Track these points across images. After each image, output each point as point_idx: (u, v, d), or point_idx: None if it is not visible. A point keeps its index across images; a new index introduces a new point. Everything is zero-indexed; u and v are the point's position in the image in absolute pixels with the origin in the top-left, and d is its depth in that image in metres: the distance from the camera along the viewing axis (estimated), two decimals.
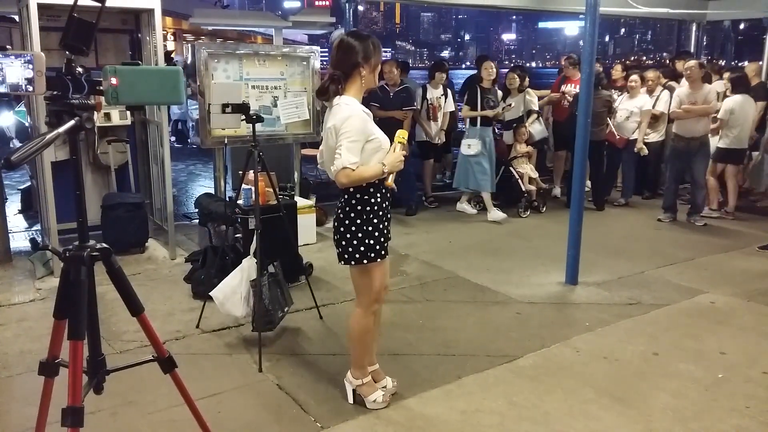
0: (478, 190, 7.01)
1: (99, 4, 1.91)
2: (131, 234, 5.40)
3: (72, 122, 1.77)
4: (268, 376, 3.40)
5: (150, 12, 5.23)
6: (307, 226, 5.78)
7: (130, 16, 5.82)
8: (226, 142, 5.47)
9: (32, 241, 1.98)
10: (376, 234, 2.84)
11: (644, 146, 7.40)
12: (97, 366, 2.05)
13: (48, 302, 4.36)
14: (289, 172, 6.36)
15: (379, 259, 2.88)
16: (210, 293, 3.78)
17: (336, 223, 2.89)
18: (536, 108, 7.74)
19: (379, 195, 2.85)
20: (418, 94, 7.35)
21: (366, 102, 3.05)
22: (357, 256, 2.84)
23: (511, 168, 7.30)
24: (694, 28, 10.73)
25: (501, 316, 4.31)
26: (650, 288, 4.85)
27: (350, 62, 2.77)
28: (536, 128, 7.70)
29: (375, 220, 2.83)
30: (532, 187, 7.37)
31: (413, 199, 7.30)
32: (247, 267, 3.71)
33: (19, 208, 7.12)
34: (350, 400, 3.12)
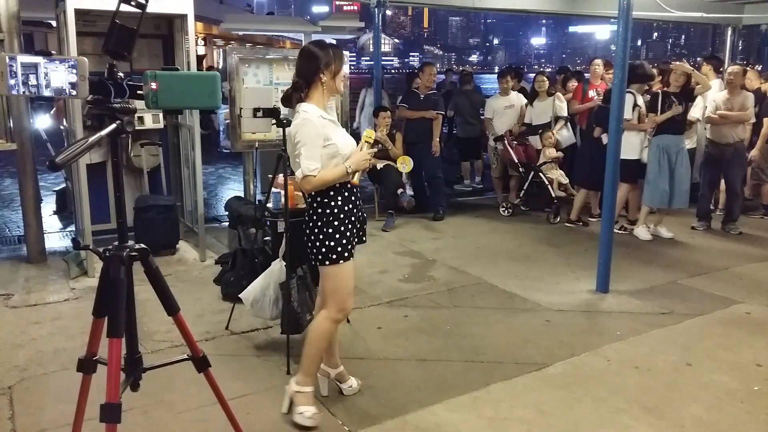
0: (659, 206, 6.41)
1: (139, 10, 1.95)
2: (162, 236, 5.47)
3: (114, 125, 1.81)
4: None
5: (183, 17, 5.32)
6: None
7: (163, 21, 5.93)
8: (256, 146, 5.53)
9: (74, 240, 2.05)
10: (337, 236, 2.87)
11: None
12: (134, 364, 2.09)
13: (82, 302, 4.46)
14: None
15: (340, 261, 2.90)
16: (239, 295, 3.81)
17: (304, 225, 2.97)
18: (565, 114, 7.63)
19: (340, 198, 2.88)
20: (629, 101, 6.29)
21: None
22: (320, 257, 2.90)
23: (540, 173, 7.23)
24: (729, 32, 10.51)
25: (530, 323, 4.27)
26: (683, 297, 4.76)
27: (311, 69, 2.85)
28: (564, 134, 7.56)
29: (336, 223, 2.87)
30: (562, 193, 7.29)
31: (442, 204, 7.26)
32: (277, 270, 3.74)
33: (54, 209, 7.29)
34: (284, 409, 3.04)
